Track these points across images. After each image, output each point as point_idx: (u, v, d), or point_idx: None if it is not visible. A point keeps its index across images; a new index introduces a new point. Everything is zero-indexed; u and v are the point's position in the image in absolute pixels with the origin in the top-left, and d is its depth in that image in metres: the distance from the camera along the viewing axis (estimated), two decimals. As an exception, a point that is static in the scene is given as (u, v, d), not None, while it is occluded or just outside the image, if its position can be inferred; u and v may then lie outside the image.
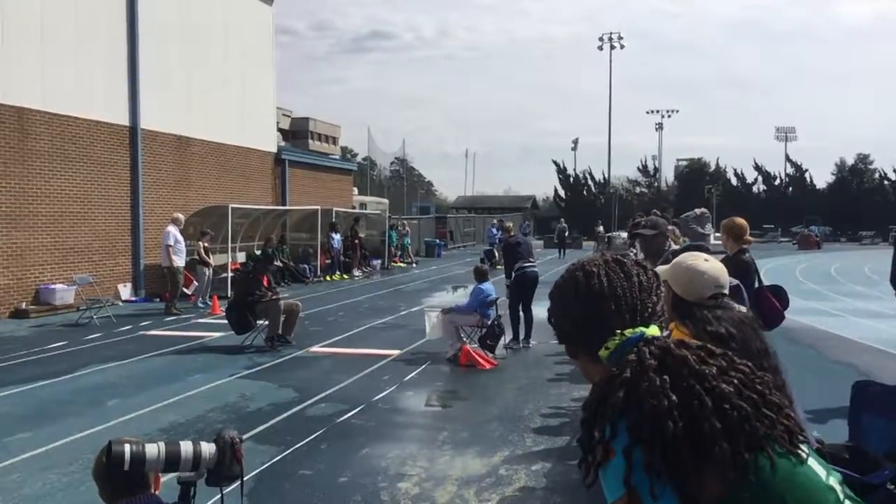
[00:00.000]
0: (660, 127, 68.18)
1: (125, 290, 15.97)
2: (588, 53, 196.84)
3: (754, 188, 63.80)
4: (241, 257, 18.10)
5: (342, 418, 6.76)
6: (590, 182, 65.42)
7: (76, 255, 14.86)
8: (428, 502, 4.79)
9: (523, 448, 5.87)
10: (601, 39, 60.36)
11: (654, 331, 1.36)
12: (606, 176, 63.98)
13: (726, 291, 2.65)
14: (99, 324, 12.40)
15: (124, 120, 16.22)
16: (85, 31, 15.02)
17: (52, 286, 13.99)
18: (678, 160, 71.34)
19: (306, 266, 21.01)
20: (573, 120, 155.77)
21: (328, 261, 21.87)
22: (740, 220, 5.43)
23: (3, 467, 5.45)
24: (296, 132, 34.86)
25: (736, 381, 1.25)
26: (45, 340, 10.89)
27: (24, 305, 13.36)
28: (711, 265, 2.63)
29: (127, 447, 2.00)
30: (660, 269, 2.82)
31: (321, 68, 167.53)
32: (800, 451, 1.24)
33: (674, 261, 2.75)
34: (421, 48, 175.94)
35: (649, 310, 1.39)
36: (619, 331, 1.34)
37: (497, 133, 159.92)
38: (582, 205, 61.89)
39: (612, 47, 59.83)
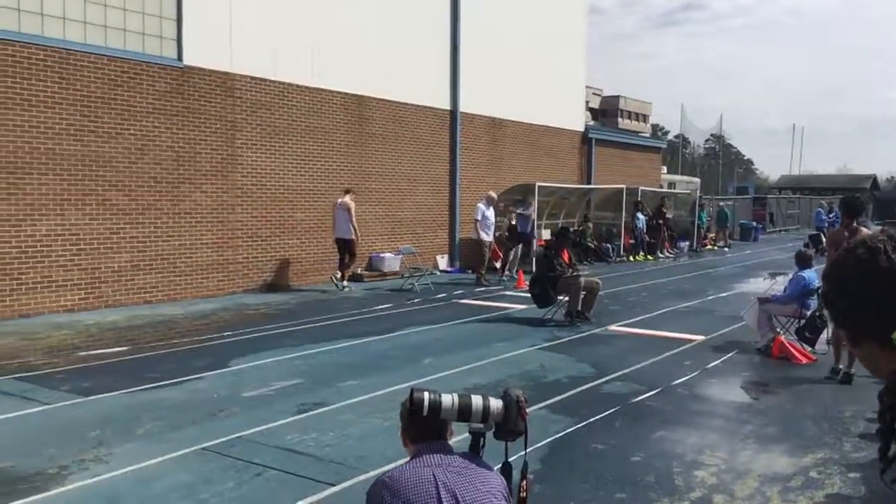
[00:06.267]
0: None
1: (442, 261, 17.42)
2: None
3: None
4: (546, 234, 18.60)
5: (638, 398, 6.66)
6: (950, 159, 55.52)
7: (402, 227, 16.53)
8: (725, 494, 4.54)
9: (840, 452, 5.27)
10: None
11: None
12: (973, 151, 53.76)
13: None
14: (419, 290, 13.67)
15: (445, 104, 17.59)
16: (414, 26, 16.52)
17: (382, 255, 15.75)
18: None
19: (609, 245, 20.92)
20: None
21: (632, 241, 21.54)
22: None
23: (338, 408, 6.30)
24: (605, 111, 34.70)
25: None
26: (375, 302, 12.30)
27: (359, 271, 15.21)
28: None
29: (426, 395, 2.20)
30: None
31: (630, 45, 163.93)
32: None
33: None
34: (737, 16, 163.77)
35: None
36: None
37: (829, 105, 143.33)
38: (938, 185, 52.79)
39: None
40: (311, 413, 6.13)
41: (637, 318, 10.95)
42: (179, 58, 12.18)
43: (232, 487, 4.58)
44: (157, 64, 11.86)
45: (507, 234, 16.55)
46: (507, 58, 19.09)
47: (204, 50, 12.48)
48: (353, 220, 13.66)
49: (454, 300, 12.72)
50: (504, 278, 15.69)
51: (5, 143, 10.16)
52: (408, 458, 2.27)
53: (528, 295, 11.16)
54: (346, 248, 13.79)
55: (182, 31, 12.17)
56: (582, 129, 23.26)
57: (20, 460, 4.95)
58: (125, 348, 8.50)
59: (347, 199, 13.77)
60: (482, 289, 14.29)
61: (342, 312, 11.24)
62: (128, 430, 5.62)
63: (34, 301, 10.54)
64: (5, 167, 10.18)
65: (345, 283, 13.73)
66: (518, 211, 16.37)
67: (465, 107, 17.93)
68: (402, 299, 12.68)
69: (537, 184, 17.65)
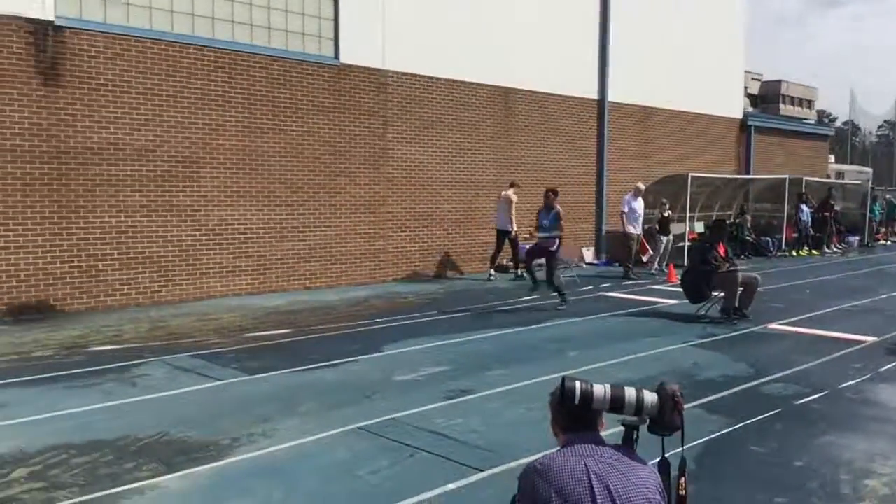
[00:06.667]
0: None
1: (588, 254, 17.15)
2: None
3: None
4: (699, 227, 17.84)
5: (801, 401, 6.27)
6: None
7: (548, 219, 16.41)
8: (900, 508, 4.20)
9: None
10: None
11: None
12: None
13: None
14: (565, 283, 13.52)
15: (593, 94, 17.28)
16: (562, 15, 16.33)
17: (527, 246, 15.68)
18: None
19: (769, 239, 19.76)
20: None
21: (795, 234, 20.22)
22: None
23: (484, 396, 6.39)
24: (766, 96, 32.70)
25: None
26: (519, 293, 12.33)
27: (504, 261, 15.28)
28: None
29: (578, 384, 2.20)
30: None
31: (794, 27, 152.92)
32: None
33: None
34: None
35: None
36: None
37: None
38: None
39: None
40: (459, 399, 6.26)
41: (800, 317, 10.28)
42: (336, 56, 12.75)
43: (386, 466, 4.77)
44: (315, 63, 12.49)
45: (656, 226, 16.03)
46: (660, 43, 18.44)
47: (358, 48, 12.99)
48: (512, 213, 14.01)
49: (601, 293, 12.50)
50: (653, 272, 15.23)
51: (182, 140, 11.08)
52: (557, 447, 2.27)
53: (680, 290, 10.78)
54: (502, 239, 14.22)
55: (339, 30, 12.73)
56: (740, 115, 22.09)
57: (197, 431, 5.41)
58: (287, 331, 9.06)
59: (511, 192, 14.18)
60: (630, 282, 13.95)
61: (488, 303, 11.36)
62: (290, 407, 6.00)
63: (207, 285, 11.44)
64: (182, 161, 11.10)
65: (519, 271, 14.25)
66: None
67: (613, 96, 17.52)
68: (548, 291, 12.60)
69: (690, 174, 16.95)
